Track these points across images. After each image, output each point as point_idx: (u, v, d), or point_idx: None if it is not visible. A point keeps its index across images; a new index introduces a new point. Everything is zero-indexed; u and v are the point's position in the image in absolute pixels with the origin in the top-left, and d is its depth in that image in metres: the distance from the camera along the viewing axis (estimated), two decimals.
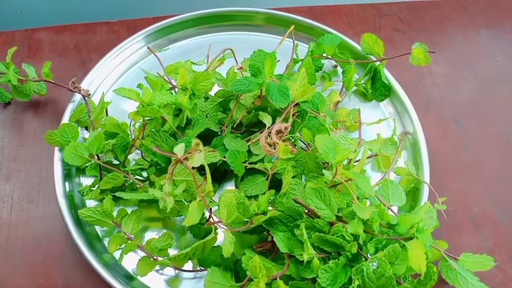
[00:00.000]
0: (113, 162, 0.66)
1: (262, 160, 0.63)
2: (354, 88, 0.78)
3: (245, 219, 0.55)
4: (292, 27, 0.76)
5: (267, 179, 0.62)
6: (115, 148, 0.64)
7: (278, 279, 0.52)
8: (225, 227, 0.53)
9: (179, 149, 0.51)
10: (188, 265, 0.61)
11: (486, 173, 0.74)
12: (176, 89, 0.65)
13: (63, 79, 0.73)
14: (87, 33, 0.85)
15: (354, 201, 0.53)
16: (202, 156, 0.50)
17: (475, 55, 0.86)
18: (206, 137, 0.65)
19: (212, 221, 0.55)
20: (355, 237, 0.53)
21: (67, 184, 0.65)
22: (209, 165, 0.61)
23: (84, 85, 0.73)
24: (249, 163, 0.62)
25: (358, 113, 0.70)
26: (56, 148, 0.67)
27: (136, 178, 0.64)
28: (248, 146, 0.63)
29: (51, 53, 0.82)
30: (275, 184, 0.62)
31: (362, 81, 0.78)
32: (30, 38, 0.83)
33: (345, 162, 0.60)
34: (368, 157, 0.68)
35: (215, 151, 0.60)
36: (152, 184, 0.63)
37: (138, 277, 0.61)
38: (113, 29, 0.85)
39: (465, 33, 0.89)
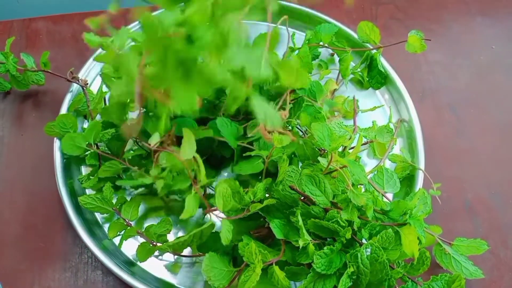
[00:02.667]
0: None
1: (257, 140, 0.63)
2: (351, 76, 0.79)
3: (242, 207, 0.56)
4: (284, 17, 0.76)
5: (263, 162, 0.62)
6: (111, 142, 0.64)
7: (274, 264, 0.53)
8: (223, 216, 0.55)
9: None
10: (188, 251, 0.62)
11: (481, 160, 0.75)
12: None
13: (61, 69, 0.73)
14: (84, 23, 0.85)
15: (349, 187, 0.54)
16: (193, 148, 0.51)
17: (471, 43, 0.87)
18: (204, 123, 0.65)
19: (209, 209, 0.56)
20: (350, 223, 0.54)
21: (67, 172, 0.66)
22: (205, 151, 0.61)
23: (82, 74, 0.73)
24: (245, 144, 0.62)
25: (353, 101, 0.71)
26: (56, 137, 0.67)
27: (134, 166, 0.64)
28: (244, 128, 0.63)
29: (49, 42, 0.82)
30: (272, 170, 0.63)
31: (359, 69, 0.78)
32: (28, 28, 0.84)
33: (340, 149, 0.61)
34: (364, 144, 0.69)
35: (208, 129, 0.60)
36: (148, 171, 0.63)
37: (138, 263, 0.62)
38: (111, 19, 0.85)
39: (461, 21, 0.89)
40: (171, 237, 0.61)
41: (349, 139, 0.60)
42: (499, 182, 0.73)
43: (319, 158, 0.57)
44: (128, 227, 0.62)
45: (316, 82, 0.65)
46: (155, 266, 0.62)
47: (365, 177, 0.55)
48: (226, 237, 0.53)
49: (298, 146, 0.62)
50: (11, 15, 0.87)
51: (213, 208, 0.56)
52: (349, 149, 0.64)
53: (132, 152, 0.65)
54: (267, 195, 0.58)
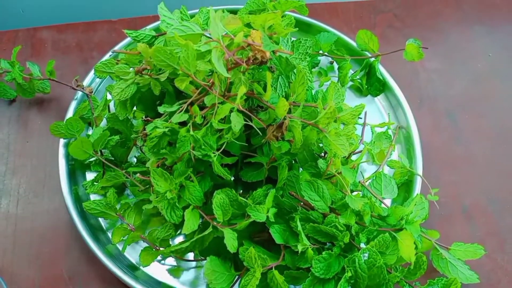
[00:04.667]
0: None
1: (261, 148, 0.64)
2: (350, 83, 0.80)
3: (242, 213, 0.58)
4: None
5: (266, 165, 0.63)
6: (114, 149, 0.66)
7: (273, 269, 0.54)
8: (223, 226, 0.56)
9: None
10: (190, 254, 0.63)
11: (478, 165, 0.76)
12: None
13: (66, 77, 0.75)
14: (88, 32, 0.87)
15: (347, 193, 0.55)
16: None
17: (468, 50, 0.88)
18: None
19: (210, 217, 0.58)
20: (348, 227, 0.55)
21: (71, 178, 0.68)
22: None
23: (86, 82, 0.75)
24: (249, 150, 0.64)
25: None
26: (61, 144, 0.69)
27: (137, 176, 0.65)
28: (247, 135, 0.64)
29: (54, 51, 0.84)
30: (274, 177, 0.64)
31: (358, 77, 0.80)
32: (33, 37, 0.85)
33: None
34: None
35: None
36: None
37: (141, 267, 0.63)
38: (114, 28, 0.87)
39: (459, 29, 0.91)
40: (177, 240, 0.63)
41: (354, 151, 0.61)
42: (496, 188, 0.74)
43: (319, 161, 0.59)
44: (132, 232, 0.63)
45: (320, 91, 0.66)
46: (158, 270, 0.63)
47: (357, 182, 0.56)
48: (232, 245, 0.54)
49: (298, 152, 0.64)
50: (16, 25, 0.88)
51: (213, 216, 0.57)
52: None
53: (134, 166, 0.66)
54: None
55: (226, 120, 0.54)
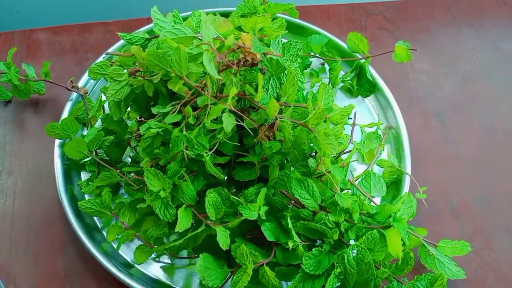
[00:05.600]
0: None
1: (253, 147, 0.65)
2: (341, 84, 0.82)
3: (234, 211, 0.59)
4: None
5: (258, 164, 0.64)
6: (109, 149, 0.67)
7: (265, 265, 0.56)
8: (216, 224, 0.57)
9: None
10: (184, 252, 0.65)
11: (466, 164, 0.78)
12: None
13: (61, 78, 0.76)
14: (83, 33, 0.88)
15: (336, 191, 0.57)
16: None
17: (457, 52, 0.90)
18: None
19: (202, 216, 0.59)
20: (337, 225, 0.56)
21: (67, 177, 0.69)
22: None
23: (81, 83, 0.76)
24: (242, 150, 0.65)
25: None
26: (56, 144, 0.70)
27: (132, 175, 0.66)
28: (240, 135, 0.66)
29: (49, 53, 0.85)
30: (266, 176, 0.65)
31: (348, 78, 0.81)
32: (29, 39, 0.86)
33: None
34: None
35: None
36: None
37: (136, 265, 0.64)
38: (109, 29, 0.88)
39: (448, 32, 0.92)
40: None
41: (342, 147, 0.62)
42: (483, 186, 0.75)
43: (309, 161, 0.60)
44: (126, 230, 0.64)
45: (310, 92, 0.67)
46: (153, 267, 0.64)
47: (346, 180, 0.57)
48: (224, 242, 0.55)
49: (289, 151, 0.65)
50: (11, 26, 0.90)
51: (206, 214, 0.58)
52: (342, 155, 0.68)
53: (129, 166, 0.67)
54: None
55: (218, 120, 0.56)
